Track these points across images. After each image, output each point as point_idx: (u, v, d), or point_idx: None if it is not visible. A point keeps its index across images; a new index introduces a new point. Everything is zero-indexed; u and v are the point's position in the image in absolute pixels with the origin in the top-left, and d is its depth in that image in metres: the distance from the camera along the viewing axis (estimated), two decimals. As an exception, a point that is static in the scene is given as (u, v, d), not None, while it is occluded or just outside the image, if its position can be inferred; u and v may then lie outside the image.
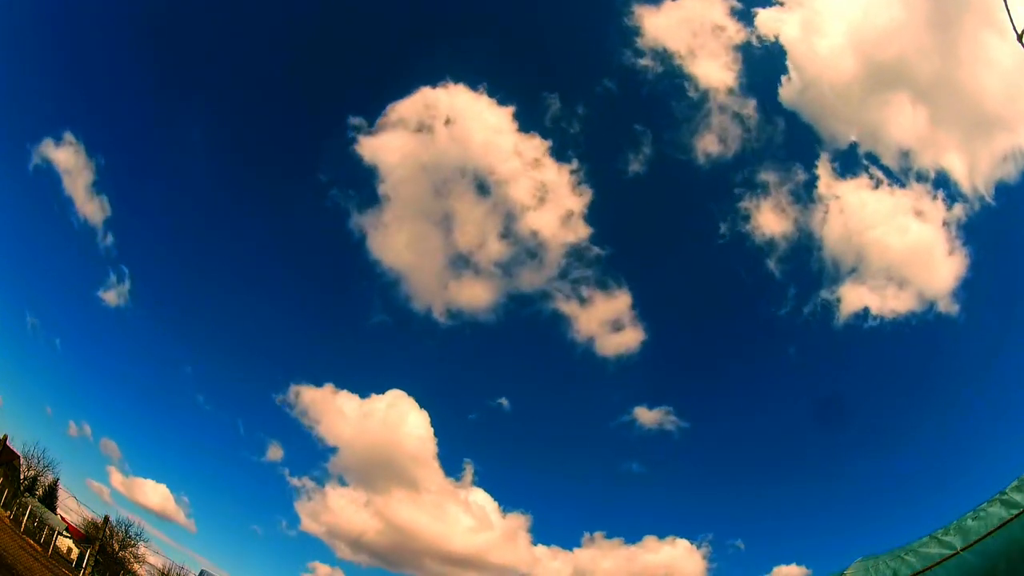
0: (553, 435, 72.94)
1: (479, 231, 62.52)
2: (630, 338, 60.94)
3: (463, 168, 60.20)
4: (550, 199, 60.64)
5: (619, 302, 61.51)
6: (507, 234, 61.87)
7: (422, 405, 61.95)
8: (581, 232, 60.54)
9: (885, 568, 3.98)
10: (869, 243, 54.85)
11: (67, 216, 57.76)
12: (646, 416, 60.05)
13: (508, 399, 65.31)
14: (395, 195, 61.92)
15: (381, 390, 62.46)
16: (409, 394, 62.02)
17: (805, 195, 56.52)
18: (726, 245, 59.60)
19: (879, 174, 53.98)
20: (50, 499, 47.85)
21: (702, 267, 66.36)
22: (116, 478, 57.35)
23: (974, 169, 51.55)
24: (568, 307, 61.92)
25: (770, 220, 56.47)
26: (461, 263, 62.98)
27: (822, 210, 56.05)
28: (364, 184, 62.62)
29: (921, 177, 53.11)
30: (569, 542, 66.04)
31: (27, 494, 43.72)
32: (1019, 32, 9.36)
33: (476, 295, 63.39)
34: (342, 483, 62.89)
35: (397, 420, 62.09)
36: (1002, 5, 9.60)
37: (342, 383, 62.51)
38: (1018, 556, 3.38)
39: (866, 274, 54.62)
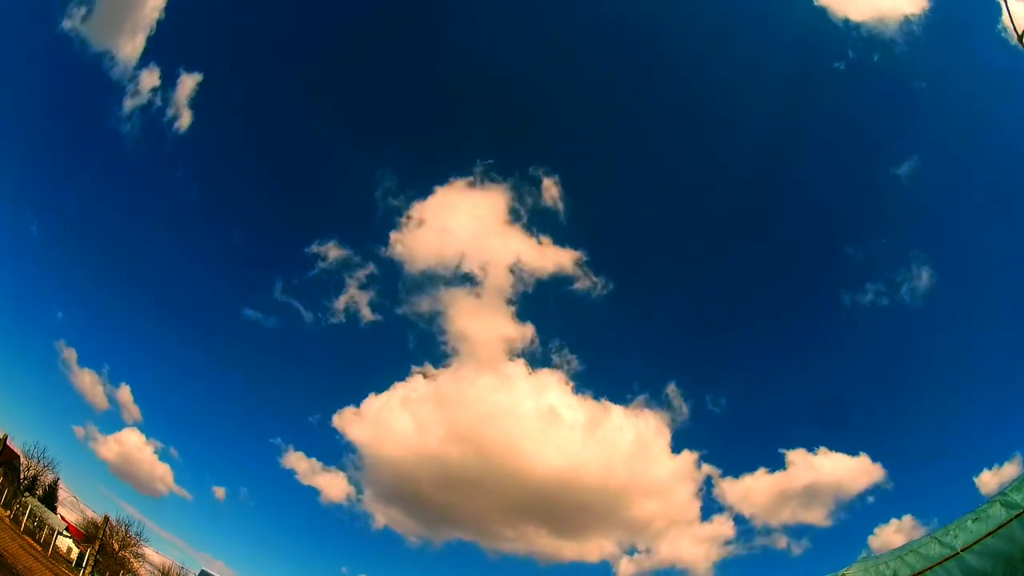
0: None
1: None
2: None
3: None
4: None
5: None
6: None
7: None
8: None
9: (885, 568, 3.97)
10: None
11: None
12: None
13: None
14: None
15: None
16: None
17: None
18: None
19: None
20: (50, 499, 47.74)
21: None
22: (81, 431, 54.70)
23: None
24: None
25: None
26: None
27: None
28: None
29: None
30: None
31: (27, 494, 43.63)
32: (1019, 32, 9.35)
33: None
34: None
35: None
36: (1002, 6, 9.59)
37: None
38: (1018, 556, 3.38)
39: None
